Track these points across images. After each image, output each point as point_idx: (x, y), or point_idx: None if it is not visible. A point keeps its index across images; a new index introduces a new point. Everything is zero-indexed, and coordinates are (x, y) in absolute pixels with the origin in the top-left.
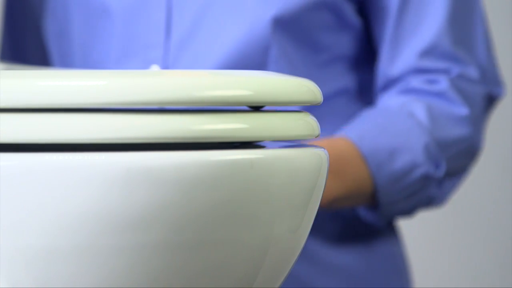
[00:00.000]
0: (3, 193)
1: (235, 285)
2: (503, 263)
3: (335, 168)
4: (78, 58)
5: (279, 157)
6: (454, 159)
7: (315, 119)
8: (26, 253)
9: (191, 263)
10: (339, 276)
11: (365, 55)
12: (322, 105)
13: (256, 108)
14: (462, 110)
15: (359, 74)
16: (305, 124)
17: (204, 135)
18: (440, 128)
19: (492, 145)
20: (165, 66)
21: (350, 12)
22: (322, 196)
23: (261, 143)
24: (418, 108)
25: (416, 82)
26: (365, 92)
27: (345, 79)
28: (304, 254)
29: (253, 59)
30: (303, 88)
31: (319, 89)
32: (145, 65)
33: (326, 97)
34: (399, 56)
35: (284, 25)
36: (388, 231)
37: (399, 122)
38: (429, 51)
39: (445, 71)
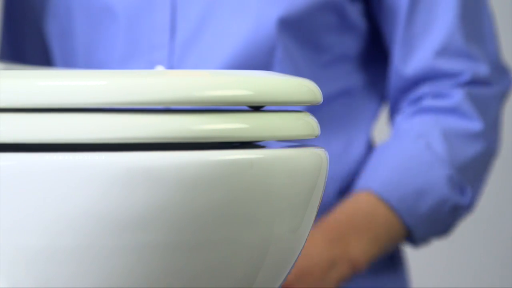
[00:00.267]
0: (3, 193)
1: (235, 285)
2: (503, 263)
3: (368, 230)
4: (82, 59)
5: (279, 157)
6: (476, 176)
7: (315, 119)
8: (26, 253)
9: (191, 263)
10: None
11: (370, 56)
12: (325, 105)
13: (256, 108)
14: (476, 125)
15: (363, 74)
16: (305, 124)
17: (204, 135)
18: (458, 152)
19: None
20: (170, 66)
21: (354, 14)
22: (360, 260)
23: (261, 143)
24: (435, 138)
25: (428, 99)
26: (369, 92)
27: (348, 80)
28: None
29: (258, 60)
30: (303, 88)
31: (319, 89)
32: (149, 66)
33: (330, 97)
34: (413, 55)
35: (289, 26)
36: None
37: (418, 160)
38: (443, 50)
39: (459, 73)
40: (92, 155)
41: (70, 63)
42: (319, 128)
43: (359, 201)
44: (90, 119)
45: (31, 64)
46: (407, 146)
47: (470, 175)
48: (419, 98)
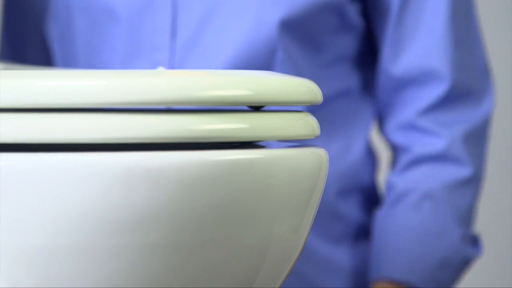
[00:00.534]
0: (3, 193)
1: (235, 285)
2: (503, 263)
3: None
4: (83, 60)
5: (279, 157)
6: (475, 213)
7: (315, 119)
8: (26, 253)
9: (191, 263)
10: (339, 274)
11: (367, 55)
12: (325, 105)
13: (256, 108)
14: (466, 170)
15: (362, 74)
16: (305, 124)
17: (204, 135)
18: (462, 206)
19: (492, 145)
20: (171, 67)
21: (353, 13)
22: None
23: (261, 143)
24: (439, 199)
25: (418, 146)
26: (368, 92)
27: (348, 80)
28: (306, 252)
29: (259, 61)
30: (303, 88)
31: (319, 89)
32: (151, 67)
33: (330, 98)
34: (401, 55)
35: (290, 27)
36: None
37: (429, 231)
38: (430, 53)
39: (444, 81)
40: (92, 155)
41: (71, 64)
42: (319, 128)
43: None
44: (90, 119)
45: (31, 64)
46: (412, 217)
47: (474, 217)
48: (409, 145)
